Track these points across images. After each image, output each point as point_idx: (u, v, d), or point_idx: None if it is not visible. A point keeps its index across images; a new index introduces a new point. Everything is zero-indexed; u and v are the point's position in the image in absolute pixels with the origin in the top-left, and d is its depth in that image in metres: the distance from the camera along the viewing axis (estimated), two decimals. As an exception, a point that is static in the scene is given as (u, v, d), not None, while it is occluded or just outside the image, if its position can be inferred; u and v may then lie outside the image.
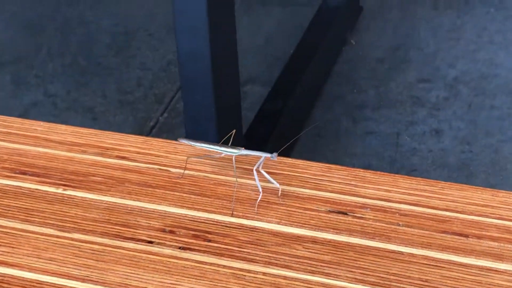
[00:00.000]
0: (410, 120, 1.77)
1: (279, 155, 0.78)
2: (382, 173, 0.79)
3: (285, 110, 1.73)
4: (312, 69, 1.83)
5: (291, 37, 1.99)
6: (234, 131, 0.82)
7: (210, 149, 0.80)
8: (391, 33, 2.02)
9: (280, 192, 0.77)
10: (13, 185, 0.80)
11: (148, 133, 1.77)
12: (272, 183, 0.77)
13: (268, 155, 0.76)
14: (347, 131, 1.77)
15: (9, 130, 0.86)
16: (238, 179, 0.79)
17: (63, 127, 0.87)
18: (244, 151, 0.78)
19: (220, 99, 1.38)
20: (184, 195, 0.78)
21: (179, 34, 1.32)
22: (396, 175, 0.79)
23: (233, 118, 1.47)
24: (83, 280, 0.71)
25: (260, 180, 0.77)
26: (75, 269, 0.72)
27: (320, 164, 0.81)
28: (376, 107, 1.81)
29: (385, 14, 2.09)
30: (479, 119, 1.77)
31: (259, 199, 0.76)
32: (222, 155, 0.79)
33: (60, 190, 0.80)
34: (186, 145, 0.82)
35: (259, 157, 0.77)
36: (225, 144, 0.79)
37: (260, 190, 0.76)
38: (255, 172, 0.77)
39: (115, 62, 1.98)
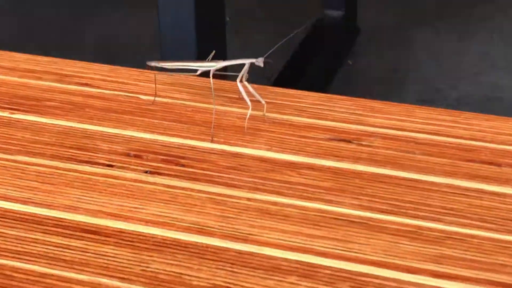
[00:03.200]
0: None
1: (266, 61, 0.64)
2: (394, 103, 0.66)
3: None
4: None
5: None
6: (214, 51, 0.67)
7: (184, 67, 0.66)
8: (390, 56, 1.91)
9: (265, 109, 0.64)
10: (-51, 105, 0.67)
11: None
12: (257, 97, 0.63)
13: (253, 60, 0.63)
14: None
15: (-48, 55, 0.73)
16: (222, 107, 0.66)
17: (17, 54, 0.74)
18: (223, 63, 0.64)
19: (202, 20, 1.10)
20: (156, 121, 0.65)
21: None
22: (411, 105, 0.66)
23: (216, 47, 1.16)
24: (24, 202, 0.57)
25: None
26: (14, 191, 0.58)
27: (319, 93, 0.68)
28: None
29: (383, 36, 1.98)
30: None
31: (249, 113, 0.63)
32: (198, 73, 0.65)
33: (6, 114, 0.66)
34: (157, 73, 0.68)
35: (242, 66, 0.63)
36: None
37: (249, 103, 0.63)
38: (239, 84, 0.63)
39: None
